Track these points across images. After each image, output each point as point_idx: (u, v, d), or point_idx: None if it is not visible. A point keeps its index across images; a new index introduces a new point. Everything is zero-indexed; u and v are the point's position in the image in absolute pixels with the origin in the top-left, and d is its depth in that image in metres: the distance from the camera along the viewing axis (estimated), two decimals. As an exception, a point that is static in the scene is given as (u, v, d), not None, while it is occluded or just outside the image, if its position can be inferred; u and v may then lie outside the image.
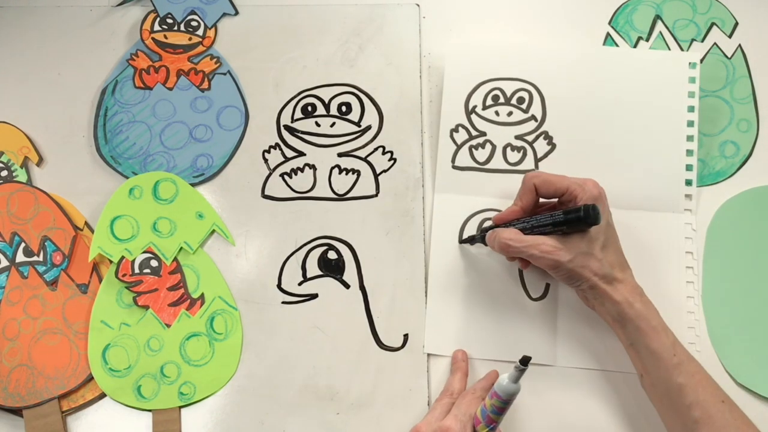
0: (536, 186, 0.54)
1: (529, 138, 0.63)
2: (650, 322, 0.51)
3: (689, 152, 0.62)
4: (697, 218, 0.62)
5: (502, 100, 0.64)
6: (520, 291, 0.59)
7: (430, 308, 0.59)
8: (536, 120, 0.63)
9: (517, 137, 0.63)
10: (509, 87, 0.64)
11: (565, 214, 0.50)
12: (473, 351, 0.58)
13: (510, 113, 0.64)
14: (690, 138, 0.62)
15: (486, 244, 0.57)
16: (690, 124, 0.63)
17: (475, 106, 0.64)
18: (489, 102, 0.64)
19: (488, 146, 0.63)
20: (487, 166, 0.63)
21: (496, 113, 0.64)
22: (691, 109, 0.63)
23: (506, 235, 0.53)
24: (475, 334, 0.58)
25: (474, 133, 0.63)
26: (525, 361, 0.46)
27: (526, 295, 0.59)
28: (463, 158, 0.63)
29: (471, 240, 0.59)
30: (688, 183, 0.62)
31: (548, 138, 0.63)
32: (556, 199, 0.55)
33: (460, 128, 0.63)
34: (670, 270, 0.60)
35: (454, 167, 0.63)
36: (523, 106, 0.64)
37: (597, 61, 0.65)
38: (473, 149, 0.63)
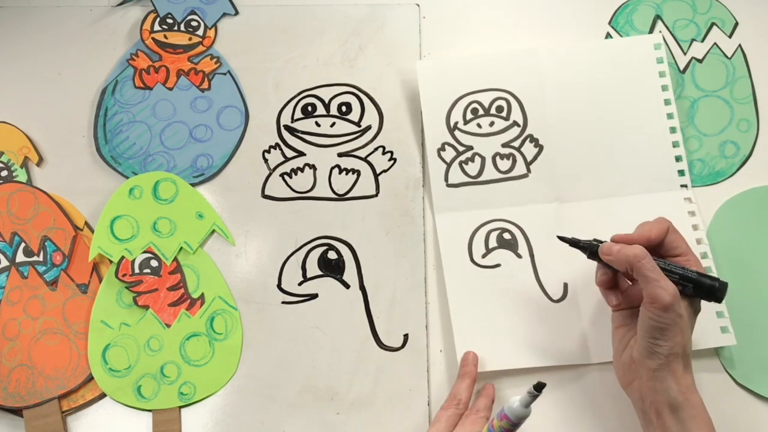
0: (669, 229, 0.52)
1: (516, 144, 0.63)
2: (706, 417, 0.48)
3: (672, 129, 0.63)
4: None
5: (481, 111, 0.64)
6: (542, 296, 0.59)
7: (456, 328, 0.58)
8: (519, 125, 0.63)
9: (504, 145, 0.63)
10: (486, 98, 0.64)
11: (699, 276, 0.49)
12: (505, 362, 0.57)
13: (492, 123, 0.64)
14: (670, 116, 0.63)
15: (590, 256, 0.53)
16: (667, 102, 0.63)
17: (456, 122, 0.64)
18: (469, 116, 0.64)
19: (477, 159, 0.63)
20: (480, 179, 0.62)
21: (479, 125, 0.64)
22: (664, 88, 0.64)
23: (640, 253, 0.49)
24: (504, 346, 0.57)
25: (461, 148, 0.63)
26: (539, 387, 0.45)
27: (548, 299, 0.59)
28: (455, 175, 0.63)
29: (575, 243, 0.54)
30: (678, 159, 0.62)
31: (534, 141, 0.63)
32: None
33: (446, 146, 0.63)
34: None
35: (448, 186, 0.62)
36: (504, 114, 0.64)
37: (566, 58, 0.65)
38: (463, 164, 0.63)
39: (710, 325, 0.58)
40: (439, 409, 0.54)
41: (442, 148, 0.63)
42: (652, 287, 0.48)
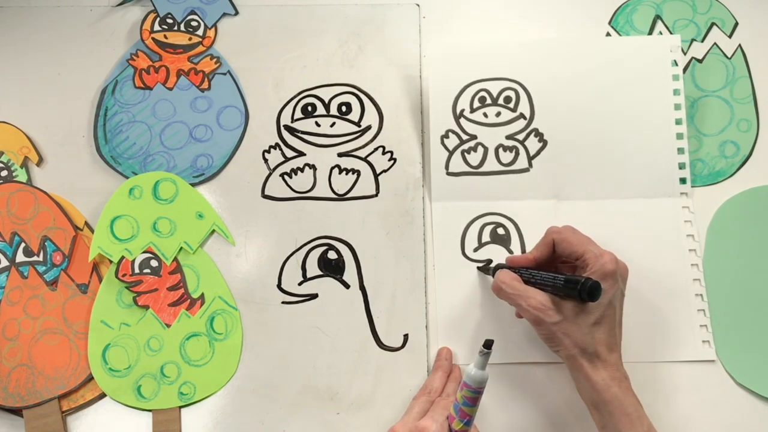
0: (555, 242, 0.53)
1: (520, 137, 0.63)
2: (625, 409, 0.49)
3: (679, 136, 0.62)
4: (697, 218, 0.62)
5: (489, 101, 0.64)
6: None
7: (439, 318, 0.59)
8: (525, 118, 0.63)
9: (508, 137, 0.63)
10: (495, 87, 0.64)
11: (566, 282, 0.49)
12: None
13: (498, 113, 0.63)
14: (678, 121, 0.63)
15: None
16: (677, 107, 0.63)
17: (463, 110, 0.63)
18: (476, 104, 0.63)
19: (480, 149, 0.63)
20: (481, 170, 0.62)
21: (485, 115, 0.63)
22: (676, 92, 0.63)
23: (502, 278, 0.53)
24: (483, 341, 0.58)
25: (465, 137, 0.63)
26: (488, 344, 0.46)
27: None
28: (457, 164, 0.62)
29: (485, 270, 0.59)
30: (681, 167, 0.62)
31: (539, 135, 0.63)
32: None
33: (450, 134, 0.63)
34: (672, 254, 0.60)
35: (448, 174, 0.62)
36: (511, 105, 0.63)
37: (578, 53, 0.64)
38: (465, 153, 0.63)
39: (692, 337, 0.58)
40: (412, 399, 0.55)
41: (445, 135, 0.63)
42: (519, 309, 0.53)
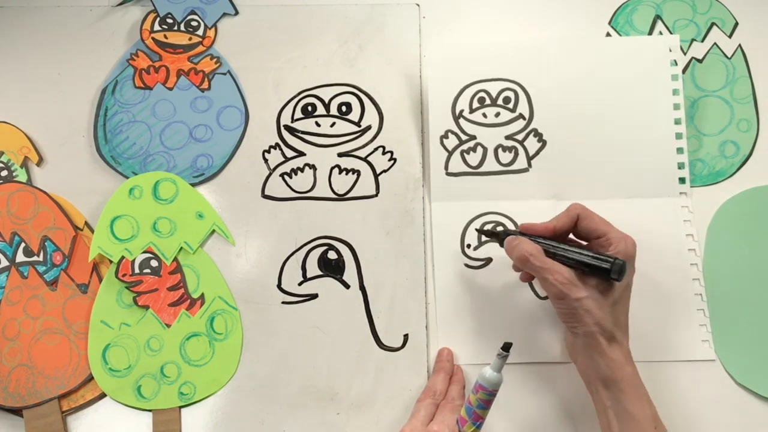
0: (579, 216, 0.53)
1: (519, 137, 0.63)
2: (637, 390, 0.50)
3: (678, 135, 0.62)
4: (697, 218, 0.62)
5: (488, 101, 0.64)
6: (528, 292, 0.59)
7: (439, 318, 0.59)
8: (524, 118, 0.63)
9: (507, 137, 0.63)
10: (494, 88, 0.64)
11: (594, 259, 0.49)
12: (486, 356, 0.57)
13: (497, 114, 0.63)
14: (677, 121, 0.63)
15: (501, 245, 0.55)
16: (676, 107, 0.63)
17: (462, 110, 0.63)
18: (476, 105, 0.64)
19: (479, 149, 0.63)
20: (480, 170, 0.62)
21: (484, 115, 0.63)
22: (675, 92, 0.63)
23: (529, 249, 0.51)
24: (486, 340, 0.58)
25: (464, 137, 0.63)
26: (507, 347, 0.46)
27: (535, 296, 0.59)
28: (456, 164, 0.63)
29: (490, 234, 0.58)
30: (681, 167, 0.62)
31: (538, 135, 0.63)
32: (584, 243, 0.54)
33: (449, 134, 0.63)
34: (672, 254, 0.60)
35: (447, 174, 0.62)
36: (510, 106, 0.63)
37: (577, 53, 0.64)
38: (465, 154, 0.63)
39: (692, 337, 0.58)
40: (416, 401, 0.55)
41: (445, 136, 0.63)
42: (543, 282, 0.51)
